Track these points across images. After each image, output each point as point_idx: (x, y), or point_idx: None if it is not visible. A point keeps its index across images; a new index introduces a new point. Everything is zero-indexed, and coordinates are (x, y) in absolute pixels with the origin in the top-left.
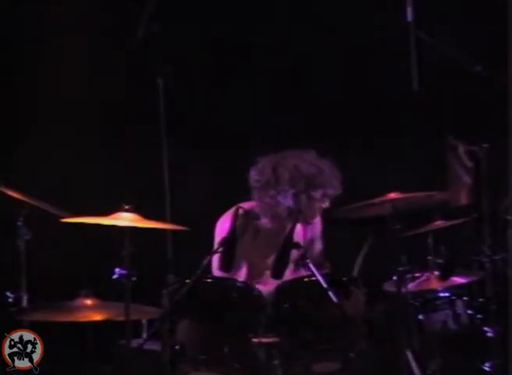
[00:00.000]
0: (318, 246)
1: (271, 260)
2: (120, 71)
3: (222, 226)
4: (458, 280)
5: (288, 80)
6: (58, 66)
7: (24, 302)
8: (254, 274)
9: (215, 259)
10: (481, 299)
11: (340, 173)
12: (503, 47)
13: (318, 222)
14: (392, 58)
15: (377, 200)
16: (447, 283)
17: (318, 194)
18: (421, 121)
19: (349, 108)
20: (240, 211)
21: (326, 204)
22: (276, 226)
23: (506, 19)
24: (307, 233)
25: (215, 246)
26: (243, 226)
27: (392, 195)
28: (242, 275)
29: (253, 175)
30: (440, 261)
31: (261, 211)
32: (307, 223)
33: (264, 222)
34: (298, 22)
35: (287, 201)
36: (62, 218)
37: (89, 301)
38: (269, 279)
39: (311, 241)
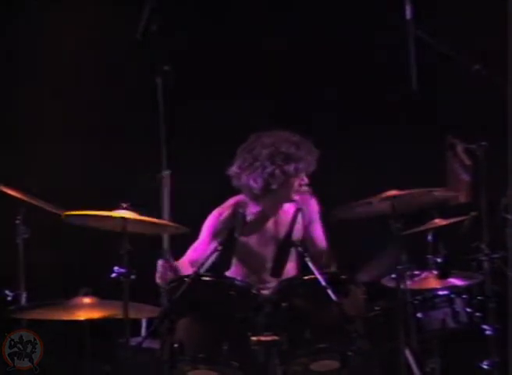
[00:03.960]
0: (318, 227)
1: (269, 250)
2: (120, 70)
3: (211, 220)
4: (457, 282)
5: (287, 80)
6: (58, 65)
7: (23, 300)
8: (254, 268)
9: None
10: (480, 297)
11: (318, 151)
12: (502, 46)
13: (312, 204)
14: (392, 58)
15: (375, 198)
16: (446, 283)
17: (291, 167)
18: (420, 120)
19: (348, 108)
20: (241, 210)
21: (304, 179)
22: (263, 209)
23: (506, 19)
24: (305, 220)
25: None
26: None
27: (391, 193)
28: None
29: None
30: (439, 259)
31: (248, 199)
32: (291, 200)
33: (253, 209)
34: (298, 22)
35: (261, 180)
36: (61, 216)
37: (88, 300)
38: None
39: (310, 224)
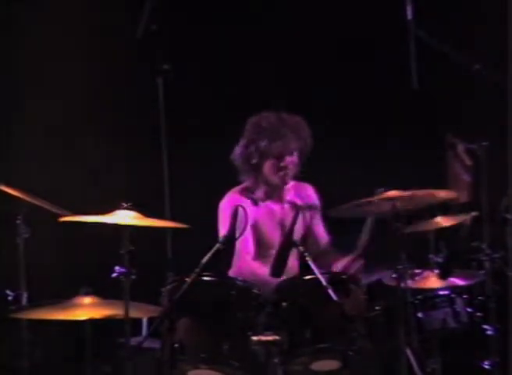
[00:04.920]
0: (318, 222)
1: (277, 236)
2: (120, 70)
3: (225, 212)
4: (458, 281)
5: (287, 80)
6: (58, 65)
7: (24, 300)
8: (262, 252)
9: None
10: (480, 297)
11: (308, 129)
12: (502, 46)
13: (310, 193)
14: (392, 58)
15: (376, 198)
16: (447, 283)
17: (263, 143)
18: (420, 120)
19: (348, 108)
20: (240, 209)
21: (288, 161)
22: (271, 191)
23: (506, 19)
24: (305, 218)
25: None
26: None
27: (392, 193)
28: (250, 256)
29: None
30: (439, 259)
31: (254, 185)
32: (278, 183)
33: (259, 195)
34: (298, 21)
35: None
36: (61, 216)
37: (88, 300)
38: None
39: (311, 220)
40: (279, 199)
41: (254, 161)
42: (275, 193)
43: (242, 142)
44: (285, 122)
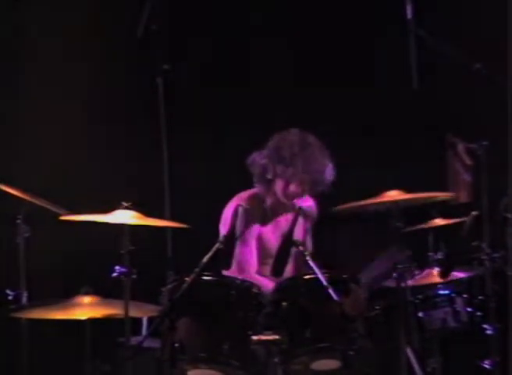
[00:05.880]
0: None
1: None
2: (120, 70)
3: (229, 213)
4: (458, 274)
5: (287, 80)
6: (59, 65)
7: (24, 300)
8: (263, 260)
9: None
10: (480, 297)
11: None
12: (502, 46)
13: (314, 211)
14: (392, 58)
15: (377, 199)
16: (447, 279)
17: (278, 169)
18: (420, 120)
19: (348, 108)
20: (240, 209)
21: (297, 189)
22: (280, 203)
23: (506, 19)
24: (306, 222)
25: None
26: (253, 210)
27: (393, 194)
28: (254, 269)
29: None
30: (440, 258)
31: (264, 193)
32: (287, 201)
33: (270, 202)
34: (298, 21)
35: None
36: (62, 215)
37: (88, 299)
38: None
39: (308, 229)
40: (285, 210)
41: (268, 177)
42: (282, 205)
43: (263, 156)
44: (307, 151)
